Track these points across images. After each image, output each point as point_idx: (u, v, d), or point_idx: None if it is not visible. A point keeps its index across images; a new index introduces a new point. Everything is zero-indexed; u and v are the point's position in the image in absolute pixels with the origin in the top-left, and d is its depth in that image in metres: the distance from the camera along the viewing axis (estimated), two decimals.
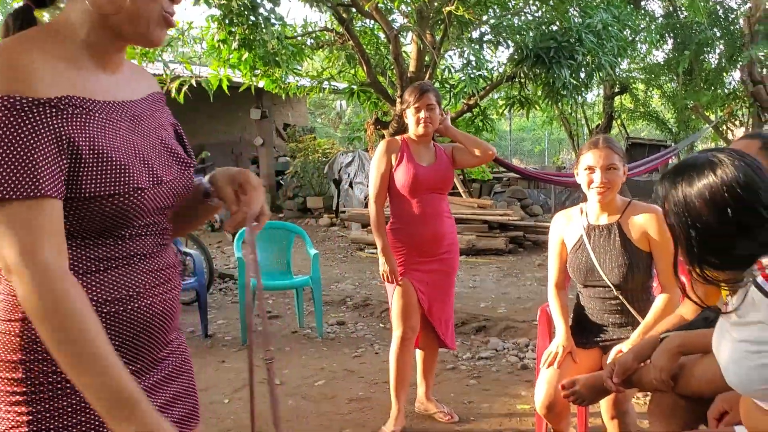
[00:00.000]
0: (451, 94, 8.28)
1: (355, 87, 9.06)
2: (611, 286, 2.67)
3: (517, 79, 8.04)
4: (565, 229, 2.83)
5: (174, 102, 7.19)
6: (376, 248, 3.42)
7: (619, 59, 8.16)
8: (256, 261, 1.41)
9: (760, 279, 1.35)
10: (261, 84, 8.24)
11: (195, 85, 7.55)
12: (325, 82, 9.00)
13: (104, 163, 1.14)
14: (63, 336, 1.04)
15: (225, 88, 7.69)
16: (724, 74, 13.67)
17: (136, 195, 1.18)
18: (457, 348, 4.80)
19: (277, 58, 7.37)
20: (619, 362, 2.12)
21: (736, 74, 13.06)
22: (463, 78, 7.64)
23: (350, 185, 12.87)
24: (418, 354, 3.63)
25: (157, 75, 7.11)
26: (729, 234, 1.39)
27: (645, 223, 2.65)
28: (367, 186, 7.21)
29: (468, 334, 5.22)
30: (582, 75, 7.53)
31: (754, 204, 1.37)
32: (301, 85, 8.95)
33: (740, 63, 11.69)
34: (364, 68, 8.23)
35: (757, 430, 1.49)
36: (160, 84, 4.61)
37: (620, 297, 2.67)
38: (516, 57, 7.67)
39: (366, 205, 12.38)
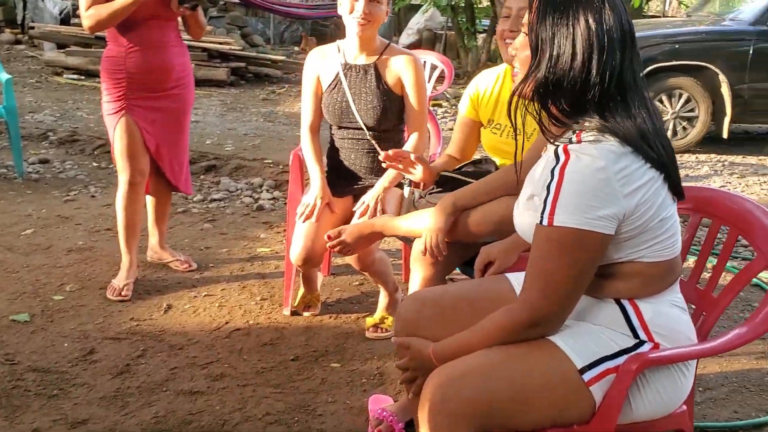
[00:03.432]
0: None
1: None
2: (364, 128, 2.60)
3: None
4: (321, 66, 2.65)
5: None
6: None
7: None
8: None
9: (560, 149, 1.31)
10: None
11: None
12: None
13: None
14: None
15: None
16: None
17: None
18: None
19: None
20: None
21: None
22: None
23: None
24: (149, 200, 3.26)
25: None
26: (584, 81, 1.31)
27: (401, 66, 2.59)
28: None
29: (197, 174, 4.90)
30: None
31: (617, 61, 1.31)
32: None
33: None
34: None
35: None
36: None
37: (372, 140, 2.62)
38: None
39: (63, 22, 10.77)
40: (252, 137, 6.08)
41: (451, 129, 6.51)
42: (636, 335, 1.38)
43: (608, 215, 1.27)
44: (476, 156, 2.42)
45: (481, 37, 10.74)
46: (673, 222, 1.38)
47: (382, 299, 2.76)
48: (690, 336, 1.42)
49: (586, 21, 1.30)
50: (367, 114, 2.60)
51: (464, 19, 10.50)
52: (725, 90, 5.87)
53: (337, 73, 2.62)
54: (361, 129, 2.62)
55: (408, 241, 2.40)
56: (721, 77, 5.85)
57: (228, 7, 13.36)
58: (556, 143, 1.35)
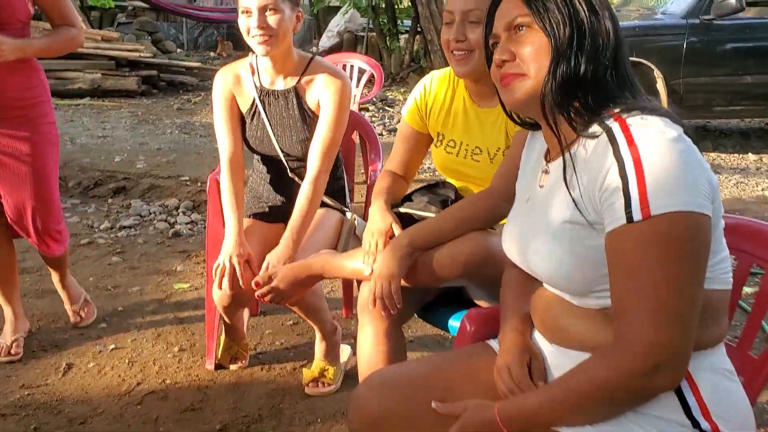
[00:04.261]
0: None
1: None
2: (286, 162, 2.24)
3: None
4: (236, 90, 2.23)
5: None
6: None
7: None
8: None
9: (616, 128, 1.03)
10: None
11: None
12: None
13: None
14: None
15: None
16: None
17: None
18: (93, 215, 3.99)
19: None
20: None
21: None
22: None
23: None
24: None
25: None
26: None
27: (323, 86, 2.16)
28: None
29: (104, 198, 4.38)
30: None
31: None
32: None
33: None
34: None
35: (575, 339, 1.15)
36: None
37: (295, 178, 2.23)
38: None
39: None
40: (166, 152, 5.56)
41: (381, 134, 6.19)
42: (694, 422, 1.04)
43: (704, 192, 0.98)
44: (429, 177, 2.06)
45: (403, 37, 10.45)
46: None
47: (319, 345, 2.34)
48: (750, 418, 1.09)
49: None
50: (293, 147, 2.21)
51: (385, 20, 10.20)
52: (660, 86, 5.74)
53: (254, 100, 2.21)
54: (287, 161, 2.24)
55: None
56: (657, 72, 5.72)
57: (137, 12, 12.68)
58: (584, 134, 1.07)
